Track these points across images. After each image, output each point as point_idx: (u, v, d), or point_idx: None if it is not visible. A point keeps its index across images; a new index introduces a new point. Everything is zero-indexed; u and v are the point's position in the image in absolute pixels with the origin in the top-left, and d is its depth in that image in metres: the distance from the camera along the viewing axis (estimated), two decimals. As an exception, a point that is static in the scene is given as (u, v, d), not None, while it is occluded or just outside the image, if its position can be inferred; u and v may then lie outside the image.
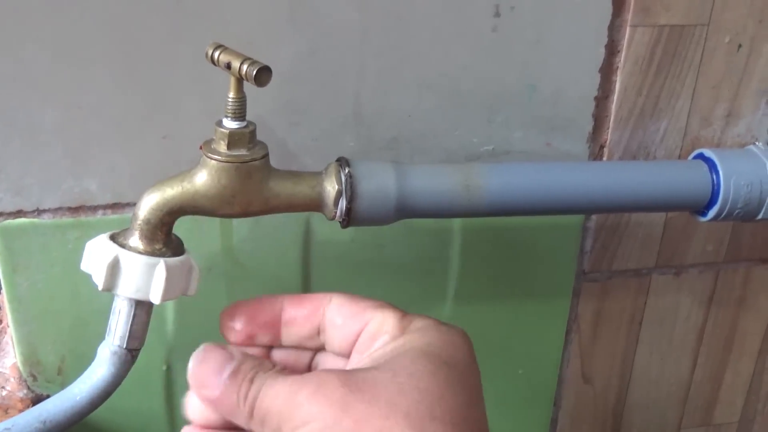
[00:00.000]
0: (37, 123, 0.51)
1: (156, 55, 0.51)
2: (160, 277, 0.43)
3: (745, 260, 0.70)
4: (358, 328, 0.44)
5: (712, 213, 0.56)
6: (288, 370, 0.42)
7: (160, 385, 0.60)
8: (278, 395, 0.39)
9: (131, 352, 0.45)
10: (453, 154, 0.59)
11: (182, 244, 0.46)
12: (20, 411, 0.57)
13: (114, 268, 0.44)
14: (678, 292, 0.70)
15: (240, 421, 0.40)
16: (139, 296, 0.44)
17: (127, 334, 0.45)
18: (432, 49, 0.55)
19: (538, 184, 0.52)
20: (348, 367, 0.43)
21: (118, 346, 0.45)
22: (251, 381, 0.40)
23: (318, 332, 0.45)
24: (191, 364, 0.41)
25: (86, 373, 0.45)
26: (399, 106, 0.56)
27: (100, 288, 0.44)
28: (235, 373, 0.40)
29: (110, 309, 0.45)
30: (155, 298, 0.44)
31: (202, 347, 0.41)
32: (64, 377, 0.58)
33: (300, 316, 0.45)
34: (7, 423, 0.44)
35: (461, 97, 0.57)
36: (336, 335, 0.45)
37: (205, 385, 0.41)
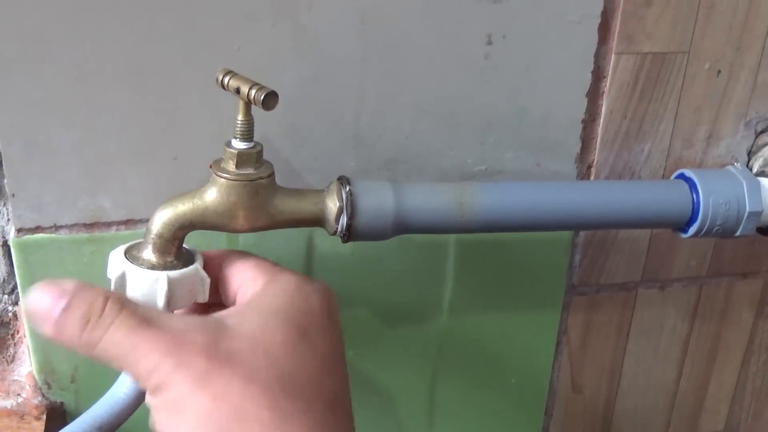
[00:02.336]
0: (55, 144, 0.52)
1: (168, 80, 0.52)
2: (162, 290, 0.45)
3: (727, 275, 0.71)
4: (237, 285, 0.46)
5: (692, 230, 0.57)
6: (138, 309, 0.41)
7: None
8: (121, 344, 0.39)
9: None
10: (448, 174, 0.60)
11: (193, 256, 0.47)
12: (35, 417, 0.59)
13: (121, 281, 0.45)
14: (663, 305, 0.71)
15: (83, 354, 0.41)
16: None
17: None
18: (428, 76, 0.56)
19: (529, 202, 0.53)
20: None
21: None
22: (86, 320, 0.40)
23: (217, 287, 0.47)
24: (27, 301, 0.41)
25: (125, 376, 0.46)
26: (396, 128, 0.58)
27: None
28: (65, 311, 0.40)
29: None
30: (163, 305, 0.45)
31: (37, 284, 0.41)
32: (78, 385, 0.59)
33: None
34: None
35: (455, 120, 0.58)
36: (225, 291, 0.47)
37: (40, 323, 0.41)
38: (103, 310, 0.40)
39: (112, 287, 0.45)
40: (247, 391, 0.38)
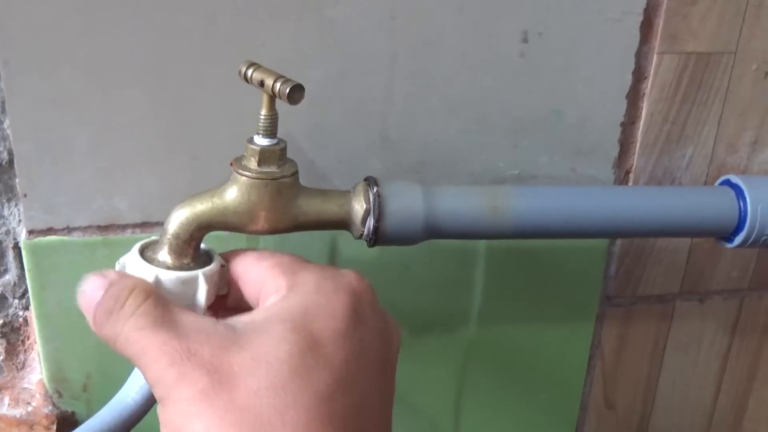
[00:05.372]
0: (69, 143, 0.52)
1: (187, 78, 0.52)
2: (203, 289, 0.44)
3: (771, 288, 0.70)
4: (258, 288, 0.43)
5: (738, 239, 0.55)
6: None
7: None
8: (134, 344, 0.38)
9: None
10: (478, 178, 0.59)
11: (211, 256, 0.46)
12: (45, 427, 0.58)
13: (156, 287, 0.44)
14: (702, 318, 0.70)
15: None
16: None
17: None
18: (460, 75, 0.55)
19: (565, 207, 0.52)
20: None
21: None
22: (109, 313, 0.39)
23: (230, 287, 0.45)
24: (78, 294, 0.41)
25: (133, 381, 0.45)
26: (426, 130, 0.57)
27: None
28: (98, 305, 0.40)
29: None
30: (200, 309, 0.44)
31: (86, 275, 0.42)
32: (90, 394, 0.58)
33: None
34: None
35: (488, 122, 0.57)
36: (248, 295, 0.44)
37: (87, 316, 0.40)
38: (124, 302, 0.40)
39: None
40: (242, 419, 0.35)
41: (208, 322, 0.40)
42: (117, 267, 0.45)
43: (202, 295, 0.44)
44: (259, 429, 0.35)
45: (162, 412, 0.37)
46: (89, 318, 0.41)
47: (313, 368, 0.37)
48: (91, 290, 0.41)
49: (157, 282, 0.43)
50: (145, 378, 0.38)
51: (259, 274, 0.43)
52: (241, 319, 0.40)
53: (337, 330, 0.39)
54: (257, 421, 0.35)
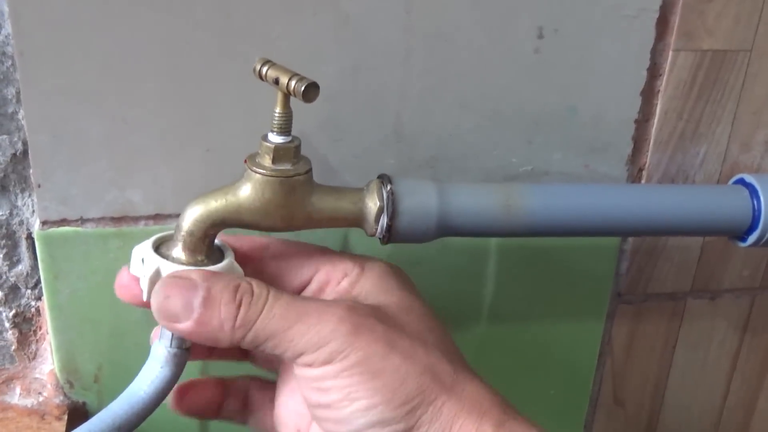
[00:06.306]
0: (83, 135, 0.51)
1: (202, 71, 0.51)
2: None
3: (782, 286, 0.70)
4: (307, 275, 0.47)
5: (752, 239, 0.55)
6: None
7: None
8: (284, 317, 0.41)
9: (188, 350, 0.46)
10: (492, 174, 0.58)
11: (224, 253, 0.46)
12: (56, 417, 0.58)
13: (156, 278, 0.44)
14: (713, 316, 0.69)
15: (224, 344, 0.41)
16: None
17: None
18: (474, 70, 0.55)
19: (578, 206, 0.52)
20: None
21: (177, 347, 0.45)
22: (238, 303, 0.41)
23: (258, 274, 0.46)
24: (154, 302, 0.42)
25: (145, 374, 0.45)
26: (439, 125, 0.56)
27: (144, 298, 0.44)
28: (206, 300, 0.41)
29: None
30: None
31: (161, 281, 0.42)
32: (101, 385, 0.59)
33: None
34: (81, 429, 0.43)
35: (501, 118, 0.57)
36: (279, 281, 0.46)
37: (178, 319, 0.41)
38: (252, 290, 0.42)
39: (146, 286, 0.44)
40: (428, 349, 0.42)
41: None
42: (132, 256, 0.46)
43: None
44: (444, 354, 0.43)
45: (331, 366, 0.40)
46: (191, 322, 0.41)
47: (437, 317, 0.47)
48: (180, 295, 0.42)
49: (158, 274, 0.44)
50: (294, 347, 0.40)
51: (305, 262, 0.47)
52: (353, 293, 0.46)
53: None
54: (438, 348, 0.43)
